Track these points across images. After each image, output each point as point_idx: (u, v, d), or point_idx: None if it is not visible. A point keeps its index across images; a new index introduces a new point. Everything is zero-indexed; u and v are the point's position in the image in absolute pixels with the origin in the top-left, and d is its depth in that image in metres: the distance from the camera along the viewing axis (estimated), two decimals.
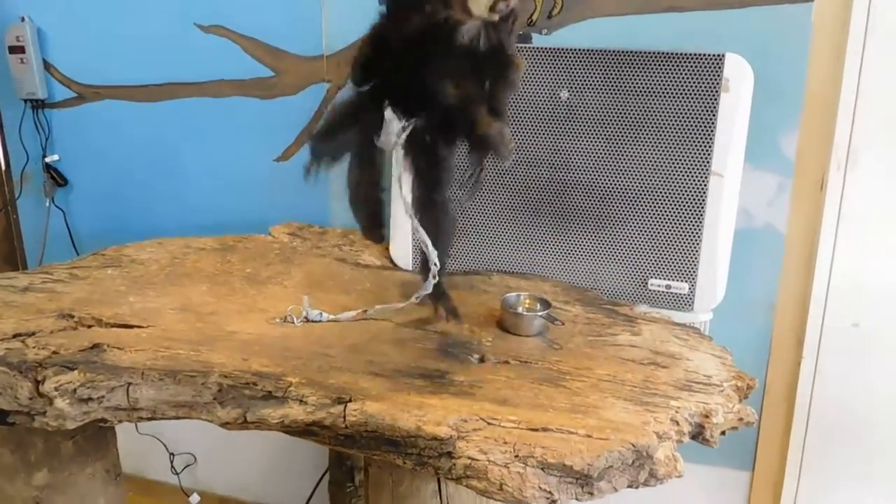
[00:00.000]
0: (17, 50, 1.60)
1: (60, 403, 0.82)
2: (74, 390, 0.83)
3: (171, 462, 1.79)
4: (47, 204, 1.72)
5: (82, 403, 0.84)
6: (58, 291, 1.09)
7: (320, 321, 1.03)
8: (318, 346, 0.96)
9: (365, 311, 1.05)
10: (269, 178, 1.55)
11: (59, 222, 1.73)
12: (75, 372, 0.84)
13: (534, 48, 1.24)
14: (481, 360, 0.96)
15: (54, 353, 0.87)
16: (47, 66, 1.64)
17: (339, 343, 0.98)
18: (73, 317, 0.99)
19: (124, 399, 0.85)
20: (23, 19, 1.59)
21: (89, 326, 0.98)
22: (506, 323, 1.06)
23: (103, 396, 0.84)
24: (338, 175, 1.49)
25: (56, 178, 1.70)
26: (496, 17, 0.80)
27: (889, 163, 1.19)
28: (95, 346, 0.90)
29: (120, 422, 0.89)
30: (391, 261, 1.37)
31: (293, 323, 1.02)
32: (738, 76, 1.09)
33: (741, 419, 0.96)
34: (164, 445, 1.77)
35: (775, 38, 1.17)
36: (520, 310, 1.08)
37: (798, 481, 1.37)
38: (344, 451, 0.90)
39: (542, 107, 1.20)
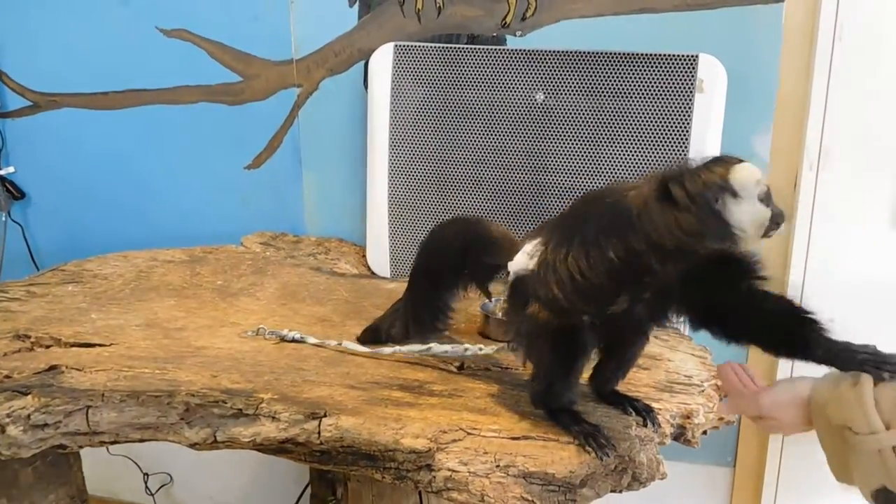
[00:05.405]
0: None
1: (13, 431, 0.78)
2: (28, 416, 0.79)
3: (146, 482, 1.72)
4: (3, 218, 1.65)
5: (37, 430, 0.79)
6: (13, 311, 1.04)
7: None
8: (292, 359, 0.93)
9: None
10: (240, 186, 1.51)
11: (16, 238, 1.66)
12: (29, 397, 0.80)
13: (508, 50, 1.23)
14: (461, 367, 0.94)
15: (6, 377, 0.83)
16: None
17: (314, 356, 0.95)
18: (29, 337, 0.94)
19: (83, 423, 0.81)
20: None
21: (47, 347, 0.93)
22: (485, 329, 1.04)
23: (60, 421, 0.80)
24: (311, 181, 1.48)
25: (12, 191, 1.63)
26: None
27: (859, 161, 1.20)
28: (52, 368, 0.85)
29: (81, 447, 0.85)
30: (368, 268, 1.34)
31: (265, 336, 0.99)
32: (712, 76, 1.09)
33: (721, 419, 0.96)
34: (138, 465, 1.71)
35: (747, 40, 1.18)
36: (499, 315, 1.06)
37: (778, 476, 1.37)
38: (320, 467, 0.87)
39: (517, 110, 1.19)
